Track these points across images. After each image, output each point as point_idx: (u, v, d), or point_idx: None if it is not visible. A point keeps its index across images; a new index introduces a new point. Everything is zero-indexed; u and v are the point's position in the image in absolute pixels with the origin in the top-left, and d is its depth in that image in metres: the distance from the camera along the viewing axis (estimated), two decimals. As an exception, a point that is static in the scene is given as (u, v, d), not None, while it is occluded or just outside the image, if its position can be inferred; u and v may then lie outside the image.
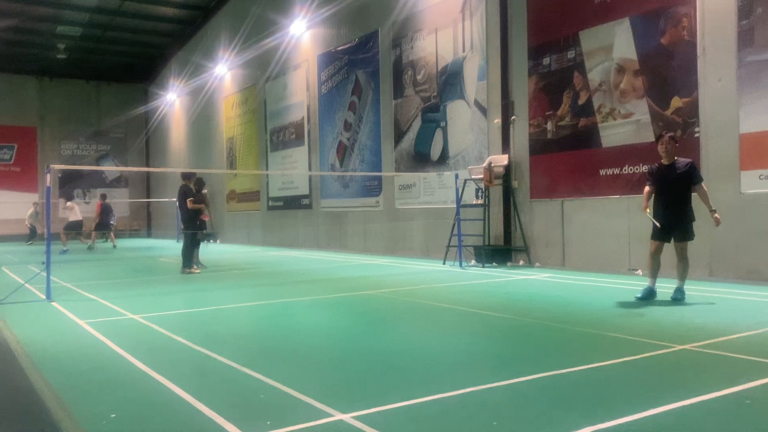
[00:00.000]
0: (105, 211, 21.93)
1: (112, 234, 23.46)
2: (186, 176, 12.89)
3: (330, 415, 3.53)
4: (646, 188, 7.68)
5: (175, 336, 5.97)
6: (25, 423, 3.66)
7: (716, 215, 7.23)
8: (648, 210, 7.53)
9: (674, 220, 7.44)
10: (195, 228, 12.53)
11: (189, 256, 12.50)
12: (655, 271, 7.59)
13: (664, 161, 7.56)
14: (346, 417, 3.48)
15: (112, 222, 22.96)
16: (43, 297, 8.67)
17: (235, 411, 3.64)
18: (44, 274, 8.84)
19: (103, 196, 22.90)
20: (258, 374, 4.46)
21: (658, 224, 7.46)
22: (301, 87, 20.20)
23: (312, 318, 7.13)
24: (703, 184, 7.46)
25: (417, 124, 15.20)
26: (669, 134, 7.67)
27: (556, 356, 4.98)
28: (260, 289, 9.86)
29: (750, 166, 8.99)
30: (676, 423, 3.32)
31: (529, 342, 5.63)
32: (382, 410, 3.61)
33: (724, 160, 9.31)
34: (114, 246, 22.99)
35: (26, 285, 9.71)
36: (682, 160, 7.54)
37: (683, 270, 7.52)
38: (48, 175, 8.75)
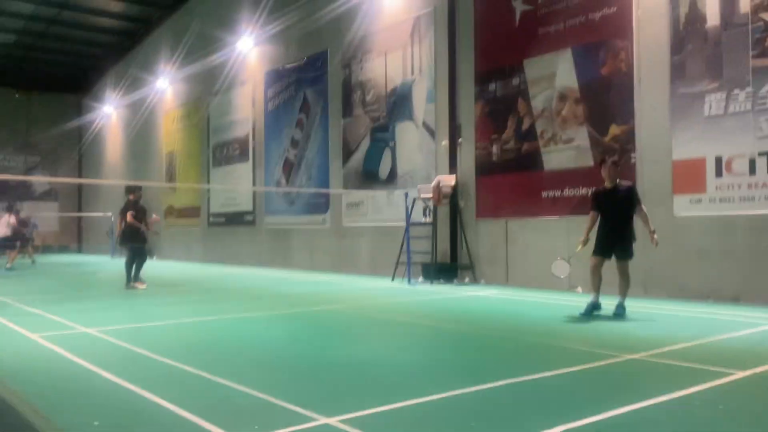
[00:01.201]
0: (24, 225, 20.44)
1: (30, 248, 21.76)
2: (129, 190, 12.65)
3: (314, 419, 3.64)
4: (591, 214, 8.07)
5: (135, 348, 5.91)
6: (3, 432, 3.60)
7: (654, 236, 7.74)
8: (582, 246, 7.96)
9: (616, 239, 7.91)
10: (138, 242, 12.27)
11: (131, 271, 12.22)
12: (596, 285, 8.01)
13: (607, 184, 8.05)
14: (332, 421, 3.60)
15: (31, 237, 21.35)
16: (-16, 311, 8.35)
17: (219, 416, 3.70)
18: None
19: (17, 211, 20.87)
20: (230, 382, 4.51)
21: (566, 268, 8.29)
22: (247, 103, 20.15)
23: (271, 331, 7.16)
24: (642, 206, 7.98)
25: (366, 144, 15.45)
26: (612, 159, 8.21)
27: (517, 364, 5.25)
28: (211, 305, 9.78)
29: (682, 190, 9.65)
30: (638, 421, 3.62)
31: (489, 352, 5.89)
32: (364, 414, 3.75)
33: (657, 185, 9.96)
34: (33, 262, 21.39)
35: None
36: (624, 184, 8.06)
37: (624, 287, 7.99)
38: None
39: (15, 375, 4.87)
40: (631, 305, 8.35)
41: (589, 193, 8.80)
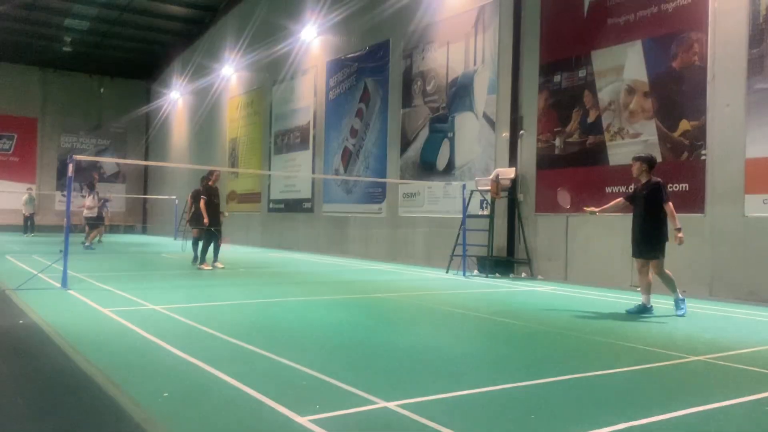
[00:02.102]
0: (102, 205, 21.17)
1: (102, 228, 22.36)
2: (205, 177, 13.12)
3: (374, 402, 3.70)
4: (620, 198, 8.30)
5: (200, 326, 6.11)
6: (81, 400, 3.79)
7: (679, 235, 7.49)
8: (596, 211, 8.30)
9: (635, 238, 7.84)
10: (214, 225, 12.73)
11: (203, 252, 12.74)
12: (644, 286, 7.81)
13: (640, 181, 7.93)
14: (391, 404, 3.65)
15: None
16: (58, 285, 8.77)
17: (281, 395, 3.79)
18: (55, 265, 8.93)
19: (97, 192, 21.40)
20: (292, 362, 4.62)
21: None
22: (309, 92, 20.40)
23: (331, 316, 7.27)
24: (669, 203, 7.66)
25: (424, 134, 15.43)
26: (634, 156, 8.12)
27: (577, 361, 5.18)
28: (272, 288, 10.00)
29: (754, 190, 9.26)
30: (702, 423, 3.52)
31: (548, 347, 5.83)
32: (423, 400, 3.78)
33: (729, 184, 9.59)
34: (100, 241, 21.94)
35: (38, 274, 9.80)
36: (652, 181, 7.81)
37: (667, 284, 7.76)
38: (70, 166, 8.87)
39: (89, 346, 5.11)
40: (696, 307, 8.12)
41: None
